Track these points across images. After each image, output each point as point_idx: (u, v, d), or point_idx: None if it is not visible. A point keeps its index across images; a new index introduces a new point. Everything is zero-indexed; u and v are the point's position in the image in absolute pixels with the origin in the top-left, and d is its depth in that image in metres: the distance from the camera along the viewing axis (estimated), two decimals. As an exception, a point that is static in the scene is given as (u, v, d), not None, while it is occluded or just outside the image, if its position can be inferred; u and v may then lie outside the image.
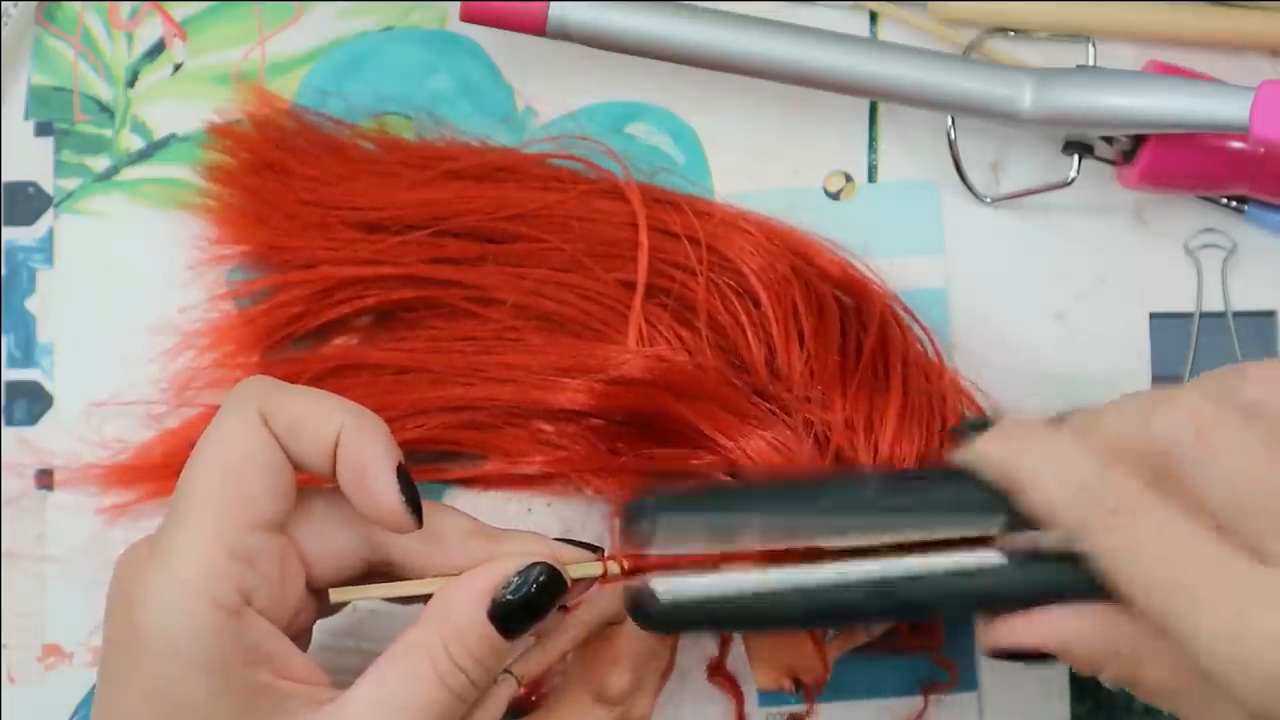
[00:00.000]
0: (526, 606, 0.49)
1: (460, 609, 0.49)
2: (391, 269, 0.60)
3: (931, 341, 0.61)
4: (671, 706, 0.61)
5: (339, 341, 0.61)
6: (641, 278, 0.59)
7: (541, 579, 0.50)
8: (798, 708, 0.61)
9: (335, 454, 0.49)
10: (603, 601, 0.54)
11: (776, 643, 0.55)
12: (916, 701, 0.61)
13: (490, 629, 0.49)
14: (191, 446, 0.58)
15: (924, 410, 0.58)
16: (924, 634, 0.59)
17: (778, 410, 0.58)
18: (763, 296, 0.59)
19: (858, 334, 0.59)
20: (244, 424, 0.49)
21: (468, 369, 0.59)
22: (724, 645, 0.60)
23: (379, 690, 0.48)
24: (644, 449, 0.58)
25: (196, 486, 0.48)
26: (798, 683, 0.56)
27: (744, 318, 0.59)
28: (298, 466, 0.49)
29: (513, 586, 0.49)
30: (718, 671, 0.60)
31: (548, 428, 0.59)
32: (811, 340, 0.58)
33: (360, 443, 0.49)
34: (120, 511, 0.61)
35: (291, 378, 0.59)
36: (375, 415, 0.50)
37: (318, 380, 0.60)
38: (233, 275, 0.62)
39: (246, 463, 0.48)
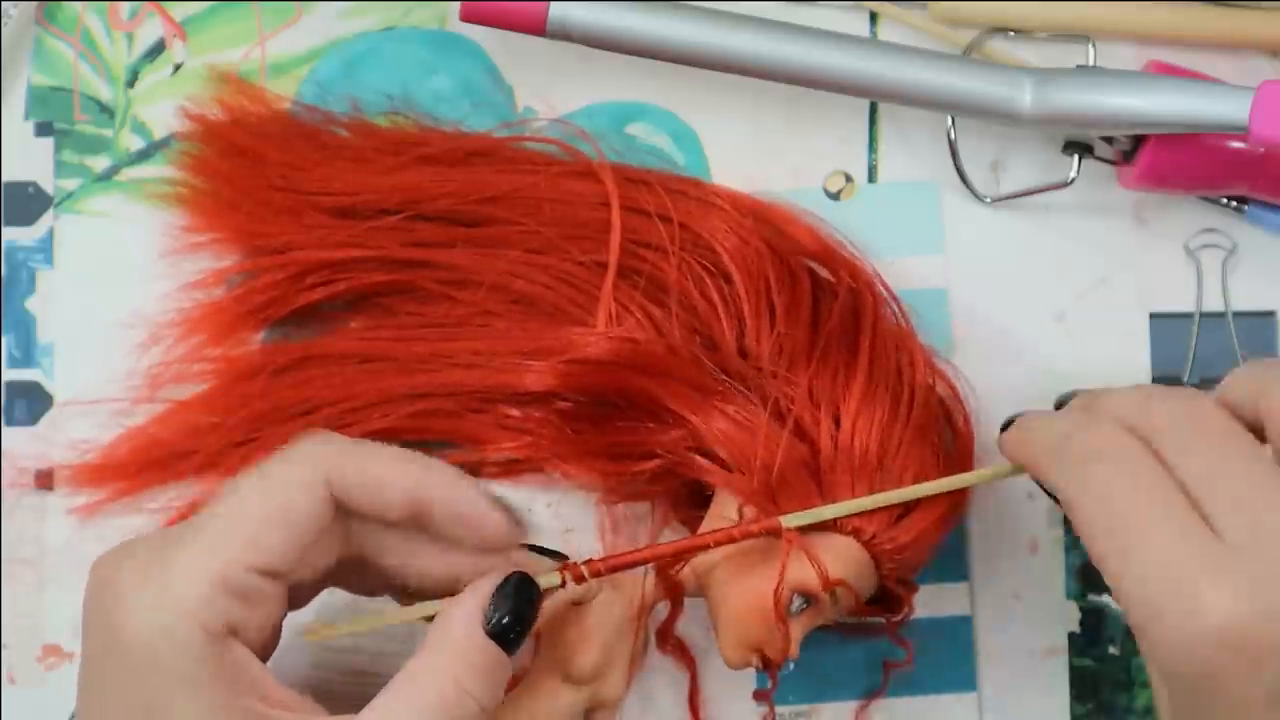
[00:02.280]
0: (517, 619, 0.50)
1: (461, 633, 0.50)
2: (364, 252, 0.60)
3: (902, 311, 0.60)
4: (641, 686, 0.61)
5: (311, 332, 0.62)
6: (613, 258, 0.59)
7: (521, 589, 0.51)
8: (800, 707, 0.61)
9: (411, 506, 0.50)
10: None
11: (743, 619, 0.55)
12: (912, 702, 0.61)
13: (493, 647, 0.50)
14: (159, 443, 0.60)
15: (891, 381, 0.58)
16: (890, 610, 0.59)
17: (743, 386, 0.57)
18: (735, 274, 0.58)
19: (830, 306, 0.59)
20: (303, 484, 0.49)
21: (433, 356, 0.59)
22: (673, 611, 0.60)
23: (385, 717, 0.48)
24: (611, 428, 0.58)
25: (221, 515, 0.48)
26: (765, 660, 0.56)
27: (715, 296, 0.58)
28: (359, 517, 0.50)
29: (498, 604, 0.50)
30: (667, 639, 0.60)
31: (514, 413, 0.59)
32: (782, 317, 0.58)
33: (449, 492, 0.51)
34: (94, 510, 0.61)
35: (256, 371, 0.60)
36: (440, 462, 0.52)
37: (284, 371, 0.60)
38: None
39: (282, 517, 0.49)
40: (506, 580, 0.51)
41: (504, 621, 0.50)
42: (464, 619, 0.50)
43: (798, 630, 0.55)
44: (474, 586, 0.51)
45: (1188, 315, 0.63)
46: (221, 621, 0.47)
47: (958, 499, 0.58)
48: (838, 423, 0.57)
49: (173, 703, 0.46)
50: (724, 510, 0.56)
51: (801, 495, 0.56)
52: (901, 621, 0.59)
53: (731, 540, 0.54)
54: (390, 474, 0.50)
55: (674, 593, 0.57)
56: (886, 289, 0.61)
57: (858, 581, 0.56)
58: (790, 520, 0.55)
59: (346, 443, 0.51)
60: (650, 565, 0.55)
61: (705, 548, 0.54)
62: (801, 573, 0.55)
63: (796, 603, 0.55)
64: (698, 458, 0.57)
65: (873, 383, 0.57)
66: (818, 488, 0.56)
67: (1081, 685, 0.62)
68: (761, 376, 0.58)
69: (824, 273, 0.60)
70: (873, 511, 0.56)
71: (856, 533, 0.56)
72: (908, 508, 0.56)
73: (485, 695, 0.49)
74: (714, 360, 0.58)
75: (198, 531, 0.48)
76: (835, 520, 0.56)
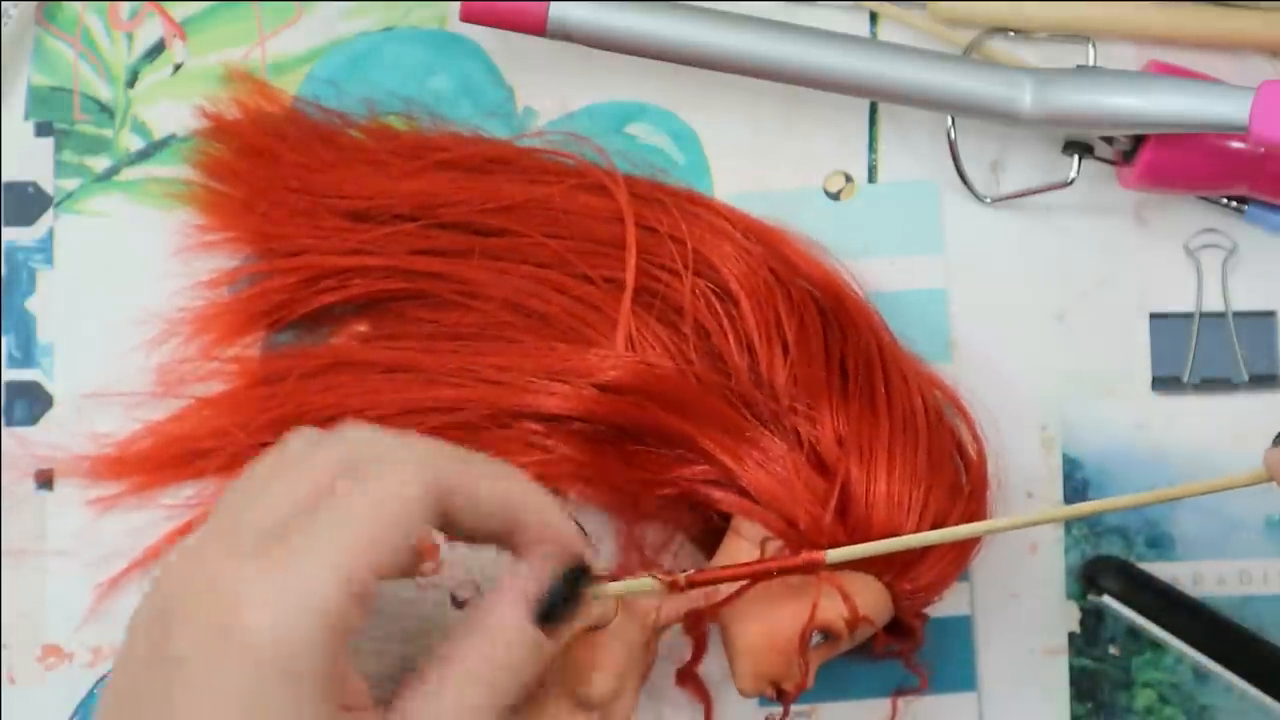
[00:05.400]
0: (567, 603, 0.50)
1: (502, 620, 0.49)
2: (378, 260, 0.60)
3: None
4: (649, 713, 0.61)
5: (334, 341, 0.61)
6: (630, 279, 0.59)
7: (574, 578, 0.50)
8: (800, 707, 0.61)
9: (506, 528, 0.49)
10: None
11: (758, 648, 0.55)
12: (912, 702, 0.61)
13: (534, 632, 0.49)
14: (179, 440, 0.59)
15: (911, 421, 0.57)
16: (902, 638, 0.59)
17: (763, 417, 0.57)
18: (744, 300, 0.58)
19: (840, 344, 0.59)
20: (415, 489, 0.47)
21: (459, 369, 0.59)
22: (697, 651, 0.59)
23: (430, 707, 0.48)
24: (634, 455, 0.58)
25: (345, 517, 0.47)
26: (779, 690, 0.56)
27: (725, 322, 0.58)
28: (454, 530, 0.49)
29: (550, 588, 0.49)
30: (687, 677, 0.60)
31: (538, 428, 0.59)
32: (794, 347, 0.58)
33: (542, 515, 0.50)
34: (111, 503, 0.61)
35: (283, 374, 0.60)
36: (533, 483, 0.50)
37: (310, 377, 0.60)
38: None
39: (400, 522, 0.47)
40: (563, 570, 0.50)
41: (551, 607, 0.49)
42: (507, 607, 0.49)
43: (814, 662, 0.56)
44: (520, 574, 0.49)
45: (1188, 315, 0.63)
46: (344, 623, 0.46)
47: (970, 543, 0.58)
48: (868, 467, 0.56)
49: (280, 701, 0.45)
50: (745, 537, 0.56)
51: (830, 536, 0.56)
52: (913, 650, 0.59)
53: (771, 575, 0.54)
54: (495, 497, 0.49)
55: (698, 630, 0.57)
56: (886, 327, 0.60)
57: (878, 617, 0.56)
58: (833, 556, 0.54)
59: (455, 456, 0.49)
60: (665, 590, 0.54)
61: (752, 578, 0.54)
62: (827, 610, 0.55)
63: (816, 638, 0.55)
64: (720, 493, 0.57)
65: (895, 425, 0.57)
66: (844, 529, 0.56)
67: (1081, 685, 0.62)
68: (780, 409, 0.57)
69: (830, 306, 0.60)
70: (888, 557, 0.55)
71: (878, 572, 0.56)
72: (923, 553, 0.56)
73: (528, 672, 0.49)
74: (730, 388, 0.58)
75: (327, 533, 0.46)
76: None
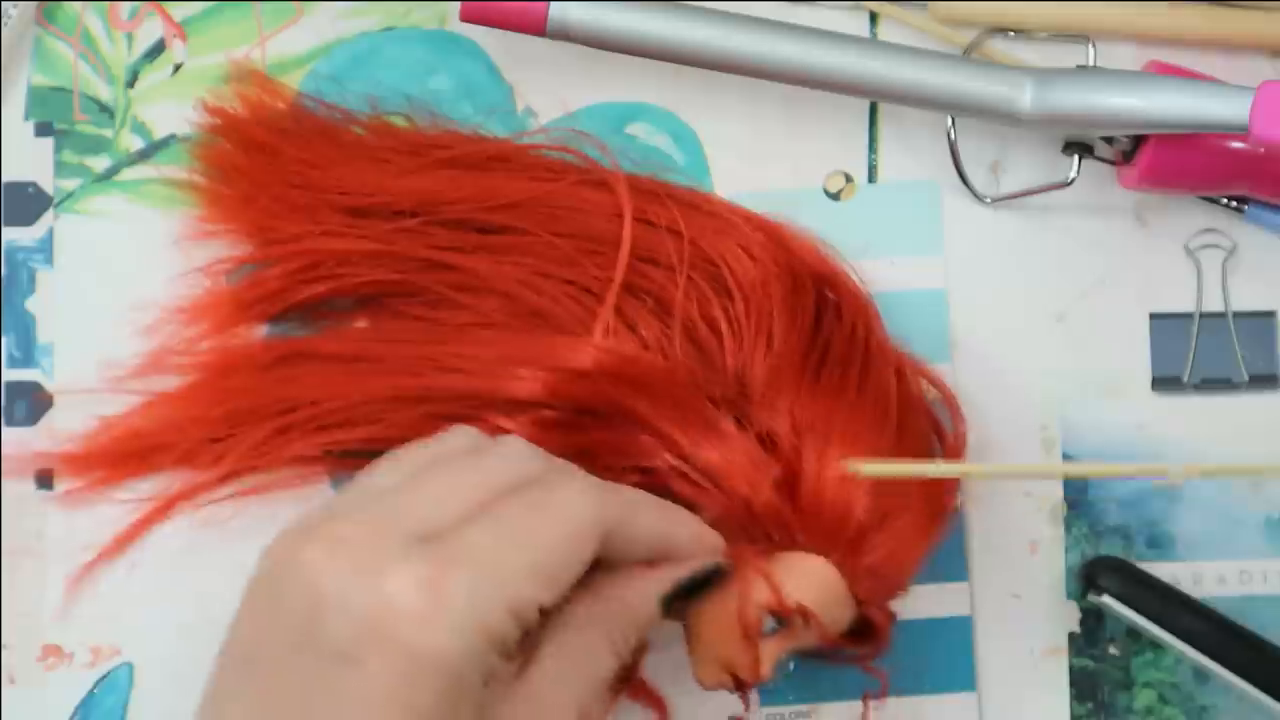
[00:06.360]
0: (690, 594, 0.54)
1: (639, 601, 0.52)
2: (372, 246, 0.60)
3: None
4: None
5: (332, 330, 0.61)
6: (619, 272, 0.59)
7: (712, 574, 0.54)
8: (800, 707, 0.61)
9: (653, 555, 0.53)
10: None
11: (713, 635, 0.54)
12: (912, 702, 0.61)
13: (658, 612, 0.53)
14: (142, 434, 0.60)
15: (886, 411, 0.57)
16: (867, 642, 0.58)
17: (734, 409, 0.57)
18: (739, 297, 0.58)
19: (829, 330, 0.59)
20: (586, 534, 0.50)
21: (419, 359, 0.59)
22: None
23: (563, 664, 0.50)
24: (597, 441, 0.57)
25: (511, 544, 0.48)
26: (738, 681, 0.55)
27: (720, 316, 0.58)
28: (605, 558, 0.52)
29: (686, 581, 0.53)
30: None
31: (503, 420, 0.58)
32: (781, 344, 0.58)
33: (690, 542, 0.54)
34: (77, 497, 0.61)
35: (238, 366, 0.60)
36: (672, 504, 0.55)
37: (269, 368, 0.60)
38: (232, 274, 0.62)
39: (574, 562, 0.49)
40: (707, 568, 0.54)
41: (677, 596, 0.53)
42: (647, 591, 0.52)
43: (770, 652, 0.54)
44: (671, 570, 0.53)
45: (1188, 315, 0.63)
46: (509, 650, 0.48)
47: (935, 518, 0.57)
48: (821, 447, 0.56)
49: (445, 704, 0.46)
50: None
51: (775, 514, 0.55)
52: (874, 655, 0.58)
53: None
54: (648, 531, 0.52)
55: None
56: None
57: (828, 606, 0.54)
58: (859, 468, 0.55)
59: (615, 494, 0.52)
60: None
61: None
62: (764, 592, 0.54)
63: (769, 624, 0.54)
64: (677, 482, 0.57)
65: (864, 405, 0.57)
66: (792, 507, 0.55)
67: (1081, 685, 0.62)
68: (750, 402, 0.57)
69: (833, 298, 0.60)
70: (834, 532, 0.55)
71: (825, 550, 0.55)
72: (876, 527, 0.55)
73: (637, 642, 0.52)
74: (708, 382, 0.57)
75: (488, 546, 0.48)
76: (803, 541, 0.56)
